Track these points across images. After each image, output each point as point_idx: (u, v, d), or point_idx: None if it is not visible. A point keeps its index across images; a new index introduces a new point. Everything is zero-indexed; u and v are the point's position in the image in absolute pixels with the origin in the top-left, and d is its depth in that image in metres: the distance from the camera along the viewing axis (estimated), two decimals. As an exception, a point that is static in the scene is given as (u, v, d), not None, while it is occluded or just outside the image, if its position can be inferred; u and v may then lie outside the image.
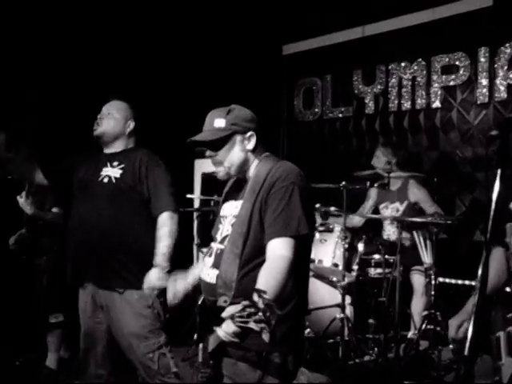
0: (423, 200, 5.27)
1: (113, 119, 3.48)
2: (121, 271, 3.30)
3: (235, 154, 2.46)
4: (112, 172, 3.38)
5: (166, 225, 3.30)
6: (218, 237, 2.50)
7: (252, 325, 1.84)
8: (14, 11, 5.55)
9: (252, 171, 2.48)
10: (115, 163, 3.42)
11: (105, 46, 6.06)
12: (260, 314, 1.83)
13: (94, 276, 3.35)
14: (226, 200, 2.61)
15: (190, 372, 4.59)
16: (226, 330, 2.02)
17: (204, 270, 2.50)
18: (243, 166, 2.49)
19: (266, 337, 1.85)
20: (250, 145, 2.46)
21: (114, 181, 3.36)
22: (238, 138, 2.45)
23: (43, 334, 4.78)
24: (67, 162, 3.70)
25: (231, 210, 2.49)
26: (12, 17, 5.56)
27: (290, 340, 2.36)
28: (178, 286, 2.66)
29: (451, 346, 4.40)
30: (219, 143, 2.44)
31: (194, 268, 2.70)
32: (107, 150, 3.52)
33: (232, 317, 1.89)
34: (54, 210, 4.77)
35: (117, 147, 3.51)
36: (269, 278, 2.17)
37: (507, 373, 2.24)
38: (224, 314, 1.98)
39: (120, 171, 3.37)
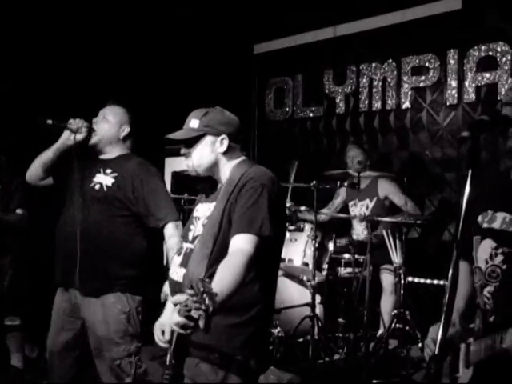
0: (393, 192, 5.30)
1: (107, 123, 3.45)
2: (103, 276, 3.27)
3: (205, 154, 2.48)
4: (104, 179, 3.35)
5: (174, 235, 3.30)
6: (189, 237, 2.49)
7: (193, 313, 1.83)
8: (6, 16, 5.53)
9: (226, 174, 2.49)
10: (108, 170, 3.38)
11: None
12: (200, 301, 1.82)
13: (76, 278, 3.27)
14: (200, 201, 2.62)
15: (159, 371, 4.55)
16: (173, 321, 2.02)
17: (172, 268, 2.50)
18: (212, 167, 2.51)
19: (201, 323, 1.83)
20: (222, 148, 2.48)
21: (105, 189, 3.33)
22: (210, 139, 2.47)
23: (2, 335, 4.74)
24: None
25: (204, 212, 2.50)
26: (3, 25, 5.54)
27: (253, 344, 2.36)
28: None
29: (420, 345, 4.44)
30: (192, 142, 2.48)
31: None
32: (101, 156, 3.49)
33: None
34: (18, 211, 4.76)
35: (111, 153, 3.47)
36: (225, 272, 2.17)
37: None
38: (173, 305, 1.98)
39: (112, 180, 3.35)
